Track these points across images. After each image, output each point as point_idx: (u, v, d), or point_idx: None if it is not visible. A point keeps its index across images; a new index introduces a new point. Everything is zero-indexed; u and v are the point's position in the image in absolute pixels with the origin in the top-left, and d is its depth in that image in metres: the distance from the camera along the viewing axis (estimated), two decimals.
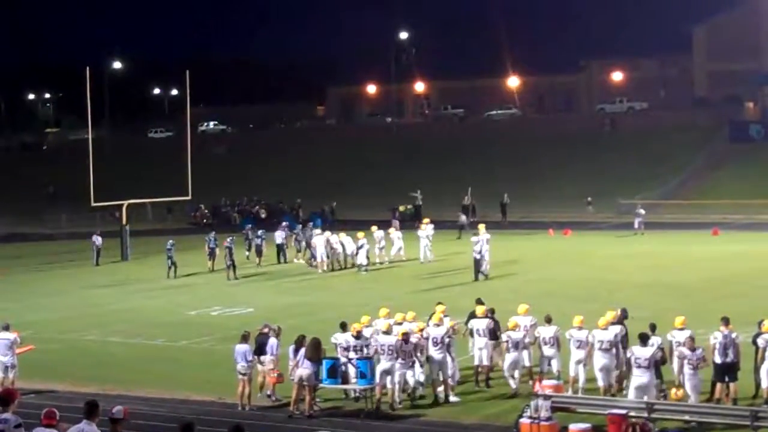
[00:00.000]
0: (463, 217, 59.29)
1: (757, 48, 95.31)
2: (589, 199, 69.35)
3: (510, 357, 22.38)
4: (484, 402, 22.19)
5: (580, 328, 21.64)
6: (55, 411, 13.17)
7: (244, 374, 22.05)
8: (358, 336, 22.23)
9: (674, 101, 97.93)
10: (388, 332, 22.06)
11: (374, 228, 46.96)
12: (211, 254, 45.81)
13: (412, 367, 21.77)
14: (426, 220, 48.47)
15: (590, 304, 31.64)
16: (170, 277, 44.35)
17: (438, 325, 22.61)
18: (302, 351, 21.45)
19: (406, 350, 21.56)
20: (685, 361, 20.10)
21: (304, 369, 21.22)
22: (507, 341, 22.46)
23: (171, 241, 45.42)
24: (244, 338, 22.50)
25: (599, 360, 20.93)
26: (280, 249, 48.28)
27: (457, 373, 23.06)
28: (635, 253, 48.42)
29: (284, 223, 52.02)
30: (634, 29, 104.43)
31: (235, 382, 22.21)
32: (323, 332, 23.23)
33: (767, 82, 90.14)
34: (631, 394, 19.89)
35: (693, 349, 20.10)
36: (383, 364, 21.57)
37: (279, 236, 48.64)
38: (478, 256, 40.46)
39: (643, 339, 20.13)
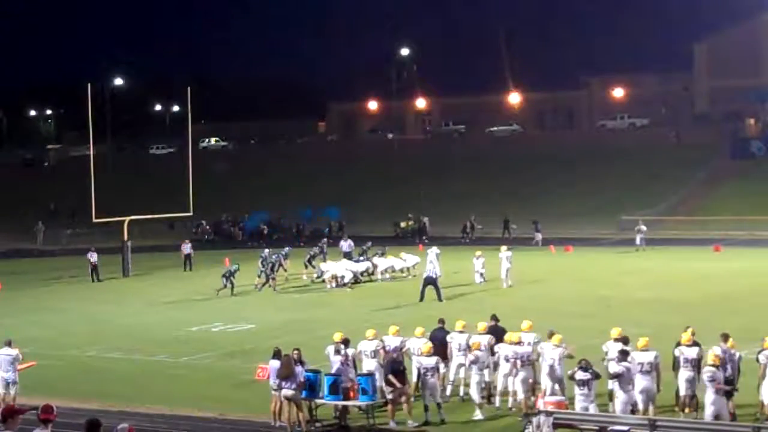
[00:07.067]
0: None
1: (758, 64, 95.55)
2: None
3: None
4: (485, 419, 22.07)
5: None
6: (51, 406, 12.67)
7: (276, 390, 21.61)
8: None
9: (675, 118, 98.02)
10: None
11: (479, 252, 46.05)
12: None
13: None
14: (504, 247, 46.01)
15: (591, 321, 31.69)
16: (231, 293, 43.25)
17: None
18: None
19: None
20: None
21: (287, 389, 21.02)
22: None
23: (236, 266, 44.45)
24: (276, 354, 22.09)
25: (640, 382, 20.48)
26: (347, 256, 48.36)
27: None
28: (637, 269, 48.38)
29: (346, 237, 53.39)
30: (635, 46, 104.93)
31: (234, 399, 22.05)
32: (323, 349, 23.12)
33: None
34: (618, 409, 19.93)
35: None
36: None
37: (347, 246, 49.46)
38: (433, 275, 39.29)
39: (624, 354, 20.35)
